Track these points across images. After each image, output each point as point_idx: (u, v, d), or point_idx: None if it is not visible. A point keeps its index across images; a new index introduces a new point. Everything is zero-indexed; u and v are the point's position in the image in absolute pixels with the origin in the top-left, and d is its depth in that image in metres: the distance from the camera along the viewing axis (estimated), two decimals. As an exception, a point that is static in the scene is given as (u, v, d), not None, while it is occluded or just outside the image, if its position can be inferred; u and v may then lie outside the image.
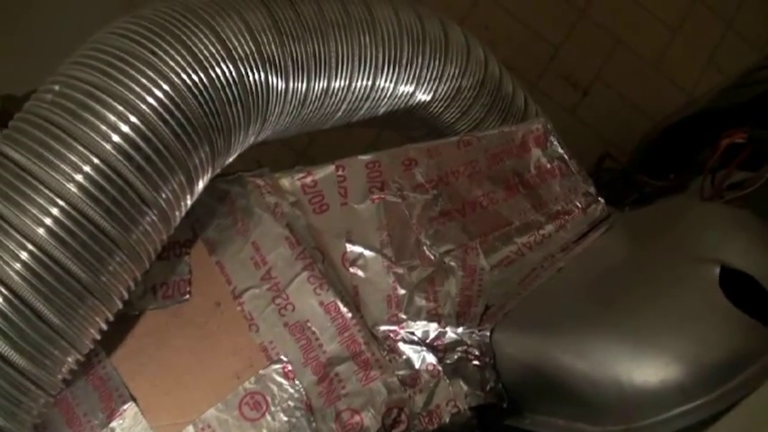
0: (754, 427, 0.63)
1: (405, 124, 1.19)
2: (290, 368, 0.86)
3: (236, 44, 0.80)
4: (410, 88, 1.06)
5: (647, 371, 0.77)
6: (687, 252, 0.86)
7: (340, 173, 0.94)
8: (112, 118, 0.71)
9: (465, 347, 0.94)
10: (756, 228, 0.88)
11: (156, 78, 0.73)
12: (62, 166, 0.69)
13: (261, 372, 0.85)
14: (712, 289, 0.79)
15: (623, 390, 0.78)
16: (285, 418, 0.85)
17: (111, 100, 0.71)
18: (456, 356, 0.93)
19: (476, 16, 2.22)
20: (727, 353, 0.75)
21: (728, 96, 1.70)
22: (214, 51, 0.78)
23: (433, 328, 0.93)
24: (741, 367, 0.75)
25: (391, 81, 1.02)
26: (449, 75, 1.10)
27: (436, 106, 1.13)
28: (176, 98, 0.74)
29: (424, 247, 0.96)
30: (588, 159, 1.80)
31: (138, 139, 0.72)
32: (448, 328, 0.94)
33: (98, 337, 0.76)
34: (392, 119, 1.12)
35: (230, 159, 0.86)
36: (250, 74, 0.81)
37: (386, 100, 1.04)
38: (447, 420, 0.90)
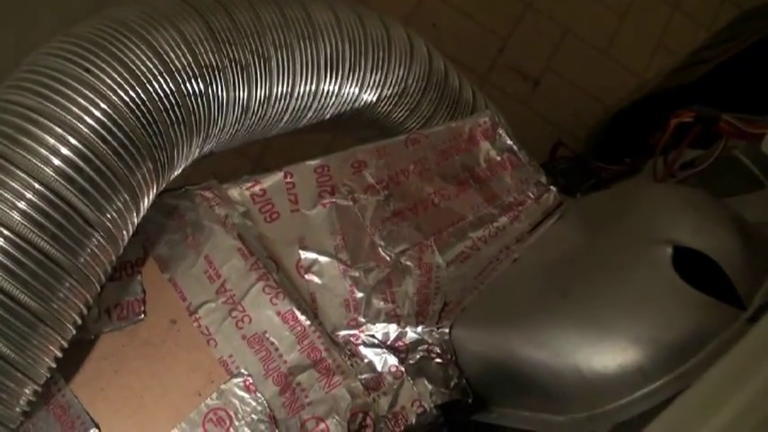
0: (712, 403, 0.63)
1: (354, 126, 1.19)
2: (251, 381, 0.85)
3: (173, 56, 0.79)
4: (355, 90, 1.05)
5: (605, 356, 0.77)
6: (639, 234, 0.86)
7: (289, 179, 0.93)
8: (52, 141, 0.70)
9: (426, 346, 0.93)
10: (707, 205, 0.89)
11: (94, 97, 0.72)
12: (4, 194, 0.68)
13: (222, 387, 0.84)
14: (666, 269, 0.79)
15: (584, 377, 0.78)
16: (250, 432, 0.84)
17: (49, 122, 0.70)
18: (418, 356, 0.93)
19: (421, 15, 2.22)
20: (685, 332, 0.76)
21: (676, 77, 1.72)
22: (151, 66, 0.77)
23: (392, 330, 0.93)
24: (699, 345, 0.75)
25: (335, 84, 1.01)
26: (393, 73, 1.09)
27: (383, 106, 1.12)
28: (115, 116, 0.73)
29: (379, 249, 0.95)
30: (544, 149, 1.81)
31: (79, 161, 0.71)
32: (408, 329, 0.93)
33: (54, 366, 0.75)
34: (340, 122, 1.12)
35: (175, 173, 0.85)
36: (189, 85, 0.80)
37: (331, 103, 1.03)
38: (413, 421, 0.89)
